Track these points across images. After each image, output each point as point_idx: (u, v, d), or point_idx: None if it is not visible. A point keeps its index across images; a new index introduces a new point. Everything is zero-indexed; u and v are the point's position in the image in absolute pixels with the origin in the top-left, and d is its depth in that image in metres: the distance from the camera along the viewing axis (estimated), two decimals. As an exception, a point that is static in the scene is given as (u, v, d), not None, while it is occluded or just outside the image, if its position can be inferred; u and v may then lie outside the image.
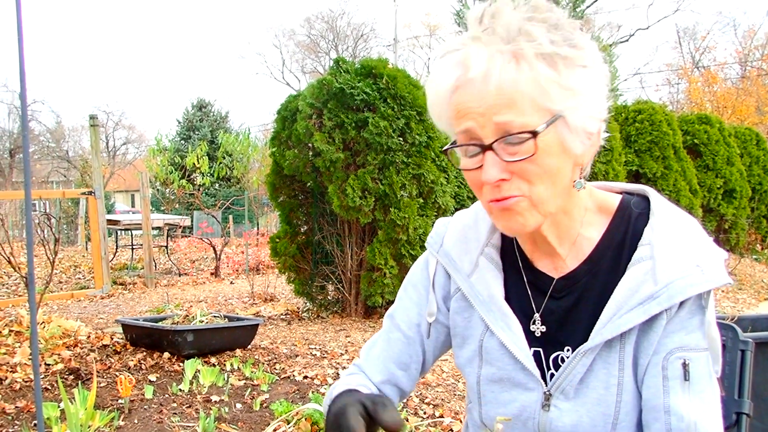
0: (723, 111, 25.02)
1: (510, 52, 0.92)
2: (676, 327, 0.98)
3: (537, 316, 1.08)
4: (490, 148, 0.94)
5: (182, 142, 25.78)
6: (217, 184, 22.31)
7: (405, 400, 3.67)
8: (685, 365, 0.97)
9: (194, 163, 14.13)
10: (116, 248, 11.98)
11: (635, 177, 10.02)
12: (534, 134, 0.92)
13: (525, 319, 1.09)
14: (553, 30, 0.93)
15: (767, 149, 13.35)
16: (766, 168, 13.05)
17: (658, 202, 1.06)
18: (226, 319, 4.75)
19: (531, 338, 1.08)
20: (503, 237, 1.14)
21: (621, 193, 1.12)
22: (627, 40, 29.32)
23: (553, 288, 1.08)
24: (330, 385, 4.03)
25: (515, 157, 0.93)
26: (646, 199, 1.08)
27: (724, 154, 11.41)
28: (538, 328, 1.08)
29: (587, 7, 21.27)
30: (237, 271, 10.66)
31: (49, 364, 4.12)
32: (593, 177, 8.71)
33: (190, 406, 3.55)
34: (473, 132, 0.95)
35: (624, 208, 1.08)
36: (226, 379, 4.01)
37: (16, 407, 3.47)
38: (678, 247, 0.99)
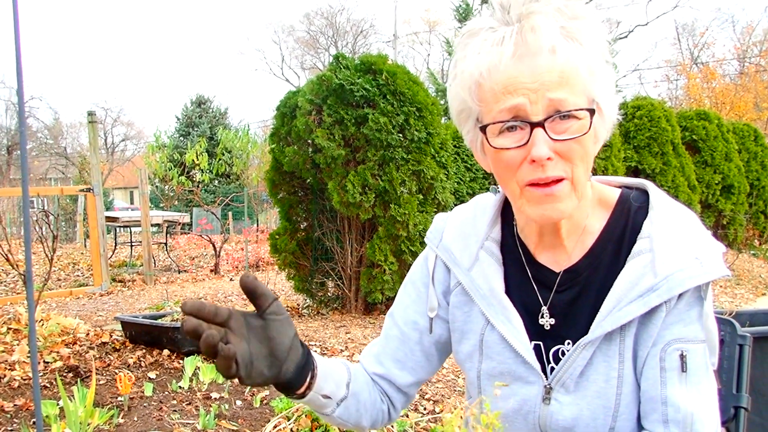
0: (721, 107, 25.03)
1: (571, 31, 0.92)
2: (675, 319, 0.99)
3: (545, 309, 1.08)
4: (540, 125, 0.93)
5: (181, 138, 25.75)
6: (216, 181, 22.32)
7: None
8: (682, 357, 0.97)
9: (193, 160, 14.12)
10: (115, 245, 11.98)
11: (634, 173, 10.02)
12: (592, 112, 0.93)
13: (527, 313, 1.09)
14: (597, 18, 0.95)
15: (765, 145, 13.36)
16: (764, 164, 13.06)
17: (657, 195, 1.06)
18: (226, 316, 4.74)
19: (534, 332, 1.08)
20: (503, 231, 1.14)
21: (620, 186, 1.12)
22: (626, 37, 29.35)
23: (557, 281, 1.08)
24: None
25: (564, 135, 0.93)
26: (644, 193, 1.08)
27: (723, 150, 11.42)
28: (547, 321, 1.08)
29: (586, 3, 21.27)
30: (237, 267, 10.66)
31: (47, 362, 4.12)
32: (593, 173, 8.72)
33: (190, 404, 3.55)
34: (521, 108, 0.93)
35: (623, 202, 1.08)
36: (225, 375, 4.01)
37: (15, 405, 3.47)
38: (677, 240, 1.00)
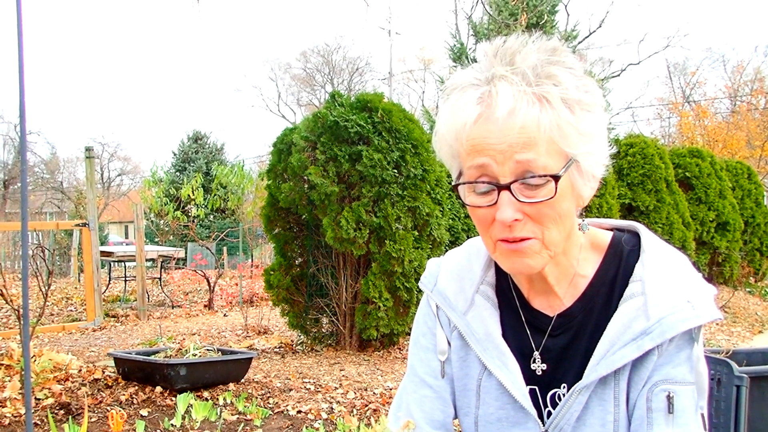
0: (714, 145, 25.26)
1: (536, 93, 0.93)
2: (664, 360, 0.99)
3: (537, 354, 1.08)
4: (507, 188, 0.94)
5: (177, 173, 25.82)
6: (211, 216, 22.32)
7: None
8: (669, 398, 0.97)
9: (189, 195, 14.16)
10: (109, 280, 11.91)
11: (628, 210, 10.08)
12: (556, 178, 0.94)
13: (522, 358, 1.08)
14: (573, 75, 0.96)
15: (759, 183, 13.47)
16: (758, 201, 13.14)
17: (649, 238, 1.07)
18: (220, 353, 4.71)
19: (527, 377, 1.08)
20: (498, 275, 1.14)
21: (611, 229, 1.13)
22: (619, 75, 29.66)
23: (551, 326, 1.08)
24: (324, 420, 3.98)
25: (533, 199, 0.94)
26: (636, 235, 1.09)
27: (716, 188, 11.50)
28: (539, 366, 1.08)
29: (579, 42, 21.56)
30: (231, 303, 10.58)
31: (39, 399, 4.06)
32: (587, 211, 8.75)
33: (182, 442, 3.50)
34: (489, 169, 0.95)
35: (615, 245, 1.09)
36: (219, 413, 3.96)
37: (5, 443, 3.41)
38: (669, 283, 1.00)
